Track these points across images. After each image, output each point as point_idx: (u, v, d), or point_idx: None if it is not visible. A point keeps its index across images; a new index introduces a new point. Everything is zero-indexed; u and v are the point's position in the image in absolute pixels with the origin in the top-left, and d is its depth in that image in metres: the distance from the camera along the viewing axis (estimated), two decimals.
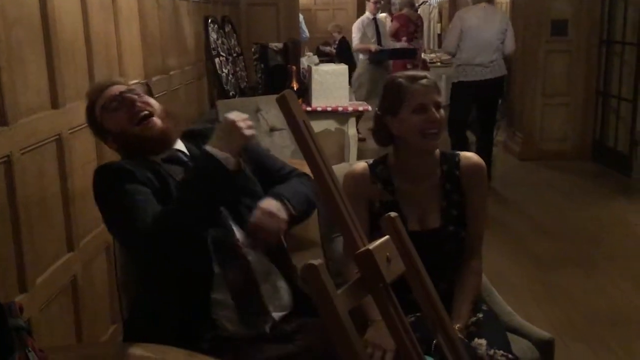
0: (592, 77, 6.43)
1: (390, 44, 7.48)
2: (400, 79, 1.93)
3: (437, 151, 1.98)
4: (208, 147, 1.61)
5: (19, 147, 2.00)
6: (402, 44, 7.48)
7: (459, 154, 2.00)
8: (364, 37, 7.33)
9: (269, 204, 1.69)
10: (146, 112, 1.75)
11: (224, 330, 1.68)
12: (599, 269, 3.87)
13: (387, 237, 1.13)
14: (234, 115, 1.64)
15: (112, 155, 2.81)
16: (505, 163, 6.63)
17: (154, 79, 3.52)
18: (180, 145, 1.84)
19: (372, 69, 7.19)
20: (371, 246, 1.06)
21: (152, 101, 1.81)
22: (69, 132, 2.36)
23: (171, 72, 4.00)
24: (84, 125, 2.52)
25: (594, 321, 3.22)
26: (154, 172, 1.70)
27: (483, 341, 1.73)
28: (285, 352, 1.67)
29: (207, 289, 1.68)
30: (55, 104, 2.28)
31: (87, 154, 2.54)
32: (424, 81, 1.90)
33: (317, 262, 0.97)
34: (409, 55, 7.39)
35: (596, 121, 6.48)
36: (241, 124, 1.62)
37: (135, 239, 1.60)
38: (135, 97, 1.77)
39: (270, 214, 1.67)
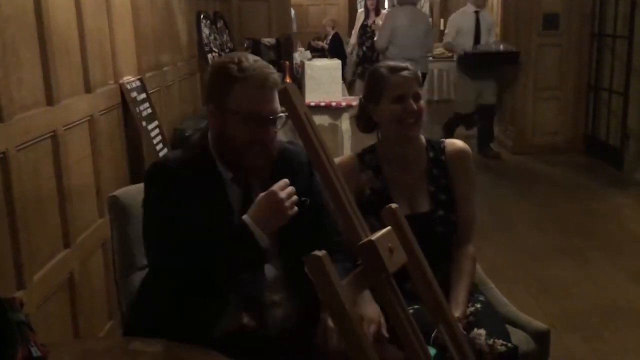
0: (584, 71, 6.45)
1: (490, 44, 6.50)
2: (382, 69, 1.98)
3: (423, 139, 2.05)
4: (247, 218, 1.54)
5: (14, 144, 1.99)
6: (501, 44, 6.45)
7: (444, 141, 2.08)
8: (458, 34, 6.43)
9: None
10: (265, 149, 1.62)
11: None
12: (591, 261, 3.89)
13: (389, 228, 1.13)
14: (283, 193, 1.54)
15: (108, 155, 2.81)
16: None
17: (147, 74, 3.51)
18: None
19: (459, 70, 6.53)
20: (374, 237, 1.07)
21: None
22: (64, 128, 2.35)
23: (164, 68, 3.98)
24: (78, 122, 2.52)
25: (588, 313, 3.24)
26: (213, 186, 1.63)
27: (482, 331, 1.74)
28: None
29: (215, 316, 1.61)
30: (50, 100, 2.27)
31: (82, 150, 2.54)
32: (404, 72, 1.95)
33: (320, 253, 0.98)
34: (511, 61, 6.32)
35: (588, 115, 6.51)
36: (287, 204, 1.54)
37: (150, 265, 1.69)
38: (274, 135, 1.62)
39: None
